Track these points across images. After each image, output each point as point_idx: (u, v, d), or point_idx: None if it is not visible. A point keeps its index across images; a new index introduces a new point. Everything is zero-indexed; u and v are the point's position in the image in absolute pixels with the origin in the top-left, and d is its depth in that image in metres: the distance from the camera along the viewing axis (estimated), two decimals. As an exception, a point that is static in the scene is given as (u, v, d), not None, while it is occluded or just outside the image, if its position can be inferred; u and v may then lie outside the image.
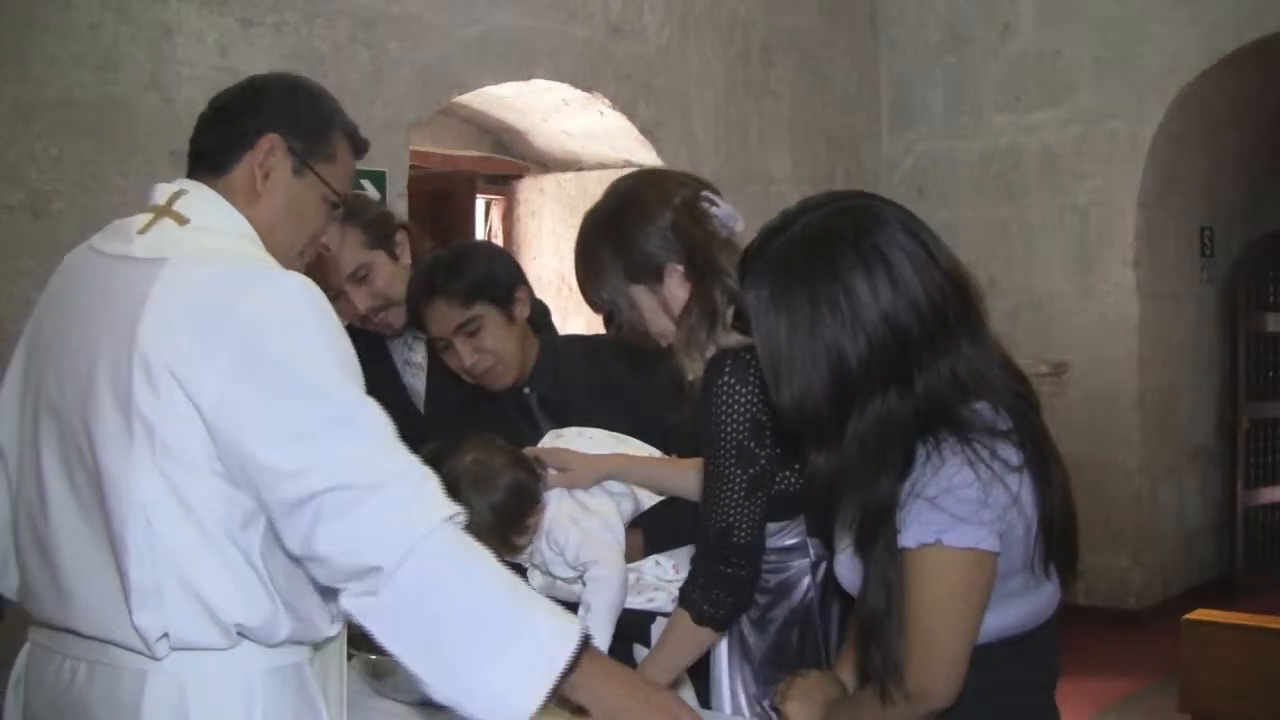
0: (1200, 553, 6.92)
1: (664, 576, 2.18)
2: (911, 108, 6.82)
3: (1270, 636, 4.10)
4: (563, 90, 5.26)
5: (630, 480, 2.19)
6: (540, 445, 2.22)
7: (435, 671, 1.38)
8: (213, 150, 1.59)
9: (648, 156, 5.60)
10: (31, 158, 3.58)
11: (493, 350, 2.29)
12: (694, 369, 1.88)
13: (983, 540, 1.42)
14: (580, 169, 5.89)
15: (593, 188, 5.81)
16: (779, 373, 1.49)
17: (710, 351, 1.86)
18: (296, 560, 1.42)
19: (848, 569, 1.60)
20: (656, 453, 2.26)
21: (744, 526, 1.80)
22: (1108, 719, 4.93)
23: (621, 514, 2.16)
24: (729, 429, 1.79)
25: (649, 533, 2.20)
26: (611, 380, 2.36)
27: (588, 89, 5.29)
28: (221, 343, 1.37)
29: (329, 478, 1.36)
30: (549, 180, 5.99)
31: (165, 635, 1.39)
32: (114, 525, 1.39)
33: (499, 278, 2.32)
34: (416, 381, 2.54)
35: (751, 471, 1.79)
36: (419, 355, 2.53)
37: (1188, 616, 4.35)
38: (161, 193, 1.57)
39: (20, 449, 1.55)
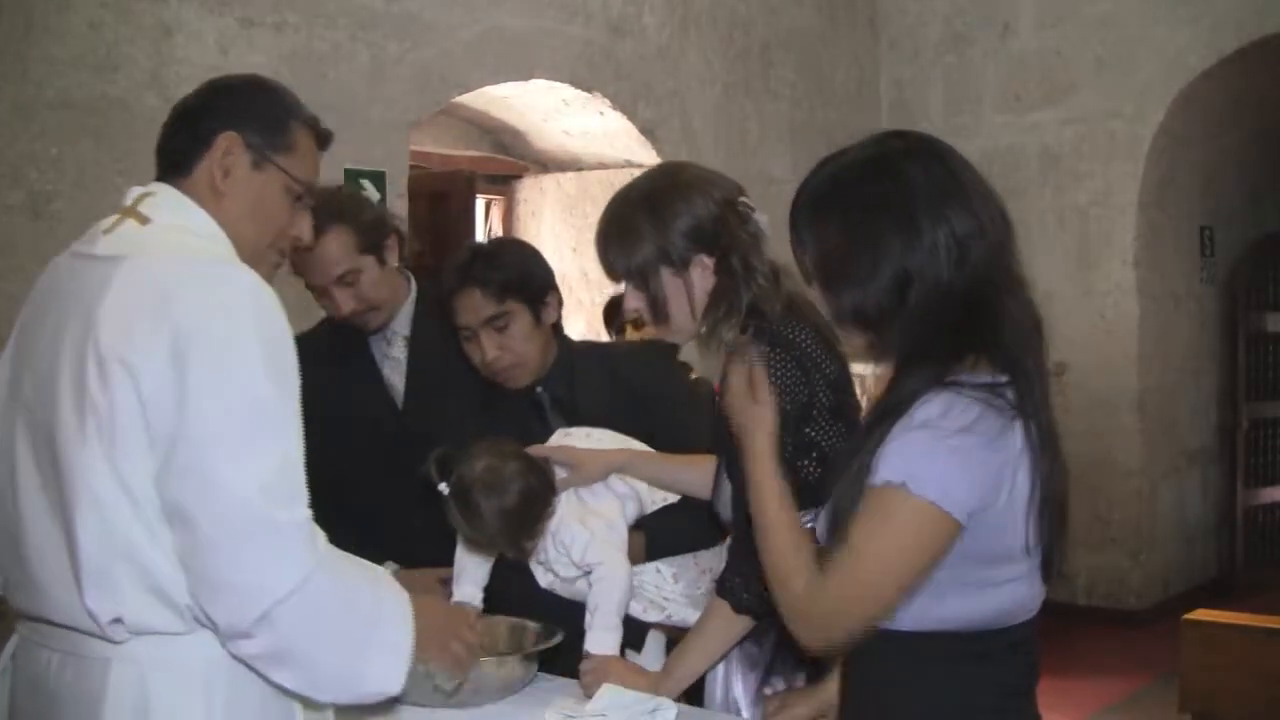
0: (1200, 553, 6.92)
1: (663, 589, 2.17)
2: (911, 108, 6.81)
3: (1270, 636, 4.10)
4: (563, 90, 5.26)
5: (637, 476, 2.19)
6: (546, 444, 2.22)
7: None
8: (176, 152, 1.64)
9: (648, 156, 5.60)
10: (31, 158, 3.58)
11: (515, 350, 2.29)
12: (708, 361, 1.92)
13: (946, 499, 1.37)
14: (580, 169, 5.89)
15: (593, 188, 5.81)
16: (845, 271, 1.49)
17: (725, 348, 1.88)
18: None
19: (824, 526, 1.58)
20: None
21: None
22: (1108, 719, 4.93)
23: (626, 516, 2.16)
24: None
25: (651, 536, 2.20)
26: (629, 387, 2.35)
27: (588, 89, 5.29)
28: (163, 334, 1.41)
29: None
30: (549, 180, 5.99)
31: (120, 619, 1.43)
32: (68, 512, 1.43)
33: (534, 278, 2.33)
34: (394, 375, 2.55)
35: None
36: (397, 350, 2.54)
37: (1188, 616, 4.35)
38: (131, 195, 1.62)
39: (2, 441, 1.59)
